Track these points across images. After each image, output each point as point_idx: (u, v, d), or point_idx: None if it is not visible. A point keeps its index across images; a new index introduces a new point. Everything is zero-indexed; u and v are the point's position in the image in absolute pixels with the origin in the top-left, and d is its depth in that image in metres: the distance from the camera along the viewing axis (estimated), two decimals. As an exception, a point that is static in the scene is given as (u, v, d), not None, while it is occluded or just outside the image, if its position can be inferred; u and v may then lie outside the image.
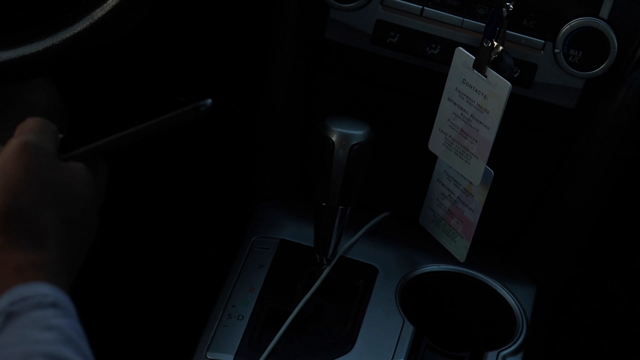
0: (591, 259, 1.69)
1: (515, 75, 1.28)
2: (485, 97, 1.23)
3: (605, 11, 1.24)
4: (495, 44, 1.22)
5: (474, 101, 1.25)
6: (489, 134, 1.24)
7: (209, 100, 0.89)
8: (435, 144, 1.32)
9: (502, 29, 1.23)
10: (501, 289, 1.43)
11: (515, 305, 1.41)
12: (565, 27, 1.24)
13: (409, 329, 1.35)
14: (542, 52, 1.27)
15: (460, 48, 1.25)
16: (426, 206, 1.40)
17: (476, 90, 1.24)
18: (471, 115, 1.26)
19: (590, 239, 1.46)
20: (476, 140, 1.26)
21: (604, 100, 1.30)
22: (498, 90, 1.22)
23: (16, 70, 1.19)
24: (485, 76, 1.23)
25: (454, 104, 1.28)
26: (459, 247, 1.37)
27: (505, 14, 1.22)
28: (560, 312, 1.69)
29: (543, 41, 1.26)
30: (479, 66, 1.23)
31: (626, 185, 1.52)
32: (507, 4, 1.22)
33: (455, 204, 1.35)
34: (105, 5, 1.17)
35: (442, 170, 1.36)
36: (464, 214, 1.34)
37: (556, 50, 1.25)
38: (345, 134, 1.26)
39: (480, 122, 1.25)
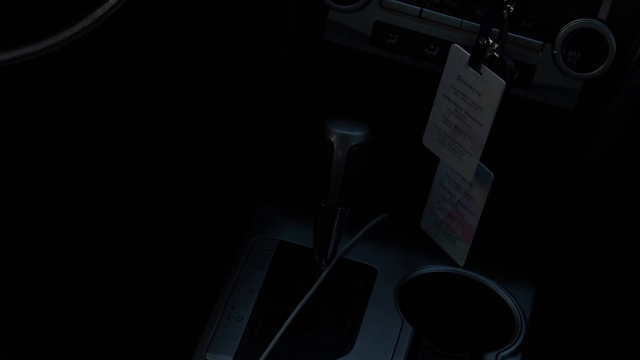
0: (590, 260, 1.69)
1: (514, 77, 1.28)
2: (479, 94, 1.24)
3: (603, 12, 1.24)
4: (491, 41, 1.22)
5: (468, 98, 1.25)
6: (483, 131, 1.24)
7: None
8: (430, 139, 1.32)
9: (502, 30, 1.23)
10: (500, 290, 1.43)
11: (514, 306, 1.41)
12: (564, 29, 1.24)
13: (408, 330, 1.35)
14: (540, 53, 1.27)
15: (455, 45, 1.25)
16: (427, 210, 1.40)
17: (471, 87, 1.25)
18: (465, 112, 1.26)
19: (589, 240, 1.46)
20: (470, 137, 1.27)
21: (602, 101, 1.30)
22: (492, 87, 1.22)
23: (17, 71, 1.19)
24: (480, 73, 1.23)
25: (449, 100, 1.28)
26: (459, 251, 1.37)
27: (506, 15, 1.23)
28: (559, 313, 1.69)
29: (542, 42, 1.27)
30: (474, 63, 1.24)
31: (625, 185, 1.52)
32: (508, 5, 1.22)
33: (456, 207, 1.35)
34: (106, 4, 1.17)
35: (444, 174, 1.36)
36: (464, 218, 1.34)
37: (555, 52, 1.25)
38: (344, 135, 1.26)
39: (474, 119, 1.25)
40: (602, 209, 1.42)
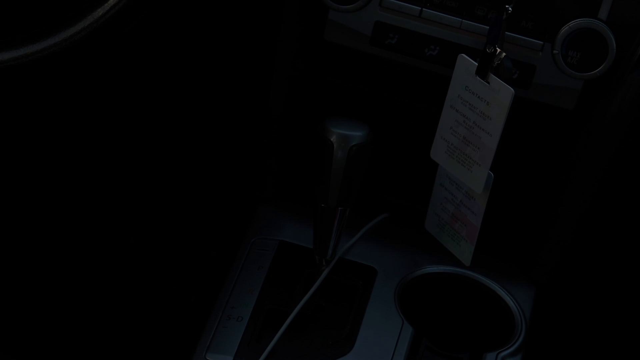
0: (590, 260, 1.69)
1: (514, 77, 1.28)
2: (487, 104, 1.23)
3: (603, 12, 1.24)
4: (499, 50, 1.22)
5: (476, 108, 1.25)
6: (492, 141, 1.24)
7: None
8: (437, 152, 1.32)
9: (502, 30, 1.23)
10: (500, 290, 1.43)
11: (514, 307, 1.41)
12: (564, 28, 1.24)
13: (408, 330, 1.35)
14: (540, 53, 1.27)
15: (463, 55, 1.25)
16: (431, 211, 1.40)
17: (479, 97, 1.24)
18: (473, 122, 1.26)
19: (589, 240, 1.46)
20: (478, 148, 1.26)
21: (602, 101, 1.30)
22: (501, 96, 1.21)
23: (17, 71, 1.19)
24: (488, 82, 1.23)
25: (456, 111, 1.27)
26: (464, 251, 1.37)
27: (504, 16, 1.22)
28: (559, 313, 1.69)
29: (542, 42, 1.27)
30: (481, 72, 1.23)
31: (626, 185, 1.52)
32: (507, 6, 1.22)
33: (459, 207, 1.35)
34: (106, 4, 1.17)
35: (445, 174, 1.36)
36: (467, 218, 1.34)
37: (555, 52, 1.25)
38: (344, 135, 1.26)
39: (483, 129, 1.25)
40: (603, 209, 1.42)
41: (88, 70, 1.75)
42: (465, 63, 1.25)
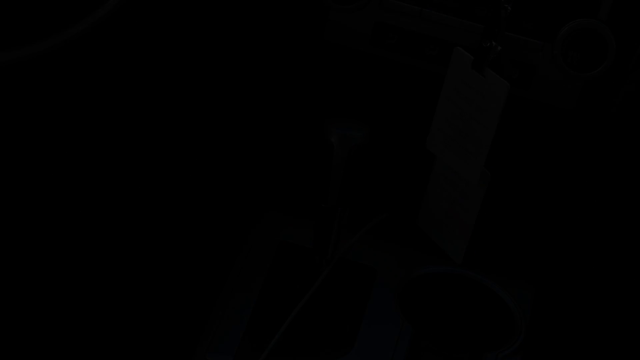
0: (590, 261, 1.69)
1: (514, 77, 1.28)
2: (483, 97, 1.24)
3: (604, 12, 1.24)
4: (494, 43, 1.22)
5: (472, 101, 1.25)
6: (487, 134, 1.24)
7: None
8: (434, 142, 1.32)
9: (500, 29, 1.23)
10: (500, 290, 1.43)
11: (515, 307, 1.41)
12: (564, 29, 1.24)
13: (408, 330, 1.35)
14: (540, 53, 1.27)
15: (459, 48, 1.25)
16: (424, 208, 1.41)
17: (475, 90, 1.25)
18: (469, 114, 1.26)
19: (589, 240, 1.46)
20: (474, 140, 1.27)
21: (602, 101, 1.30)
22: (496, 90, 1.22)
23: (17, 71, 1.19)
24: (484, 76, 1.23)
25: (453, 103, 1.28)
26: (456, 249, 1.37)
27: (503, 15, 1.23)
28: (559, 313, 1.69)
29: (541, 42, 1.27)
30: (477, 66, 1.24)
31: (626, 185, 1.52)
32: (506, 5, 1.22)
33: (453, 205, 1.35)
34: (106, 4, 1.17)
35: (441, 172, 1.36)
36: (461, 215, 1.34)
37: (555, 52, 1.25)
38: (344, 135, 1.26)
39: (479, 122, 1.25)
40: (603, 209, 1.42)
41: (88, 70, 1.75)
42: (462, 56, 1.25)
